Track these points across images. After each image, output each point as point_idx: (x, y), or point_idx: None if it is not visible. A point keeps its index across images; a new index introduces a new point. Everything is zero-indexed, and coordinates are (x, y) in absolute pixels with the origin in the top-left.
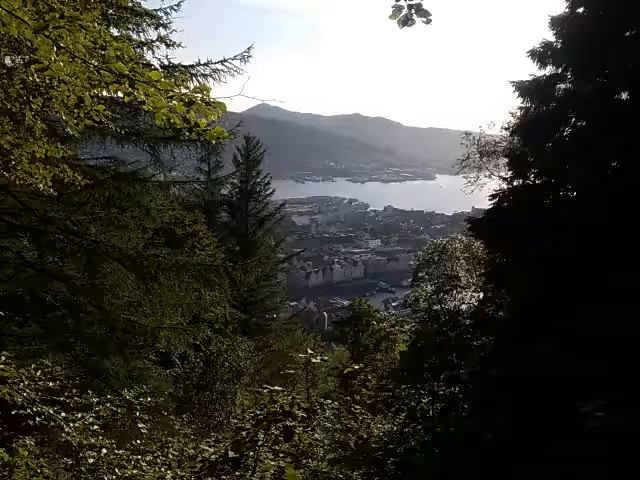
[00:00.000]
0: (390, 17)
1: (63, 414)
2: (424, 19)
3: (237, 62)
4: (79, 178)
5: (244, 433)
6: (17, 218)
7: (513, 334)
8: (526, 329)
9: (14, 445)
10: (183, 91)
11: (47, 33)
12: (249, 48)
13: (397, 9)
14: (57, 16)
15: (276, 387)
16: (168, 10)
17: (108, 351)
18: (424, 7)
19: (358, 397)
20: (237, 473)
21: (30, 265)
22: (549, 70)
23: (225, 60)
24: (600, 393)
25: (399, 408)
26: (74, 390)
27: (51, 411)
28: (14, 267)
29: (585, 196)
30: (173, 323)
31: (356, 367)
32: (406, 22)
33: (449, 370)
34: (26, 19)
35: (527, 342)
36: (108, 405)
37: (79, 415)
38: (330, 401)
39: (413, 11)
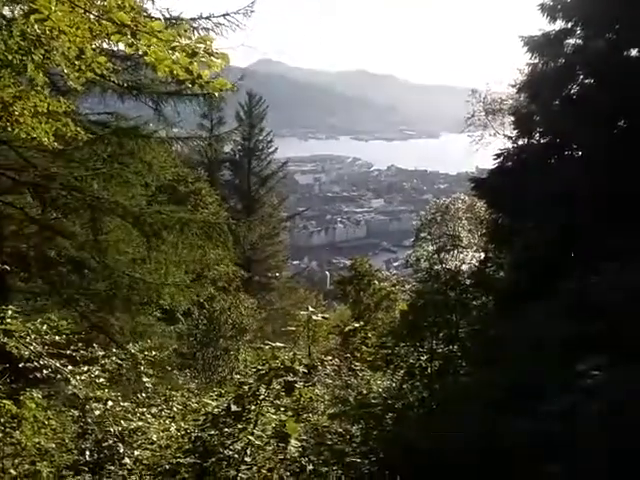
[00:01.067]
0: None
1: (69, 367)
2: None
3: (240, 16)
4: (82, 132)
5: (246, 387)
6: (20, 174)
7: (513, 294)
8: (526, 290)
9: (21, 397)
10: (186, 42)
11: None
12: (252, 2)
13: None
14: None
15: (278, 344)
16: None
17: (113, 307)
18: None
19: (358, 354)
20: (239, 426)
21: (34, 221)
22: (559, 25)
23: (227, 14)
24: (598, 353)
25: (398, 365)
26: (80, 344)
27: (57, 364)
28: (18, 223)
29: (590, 157)
30: (177, 280)
31: (356, 325)
32: None
33: (448, 329)
34: None
35: (526, 303)
36: (114, 359)
37: (85, 368)
38: (331, 358)
39: None
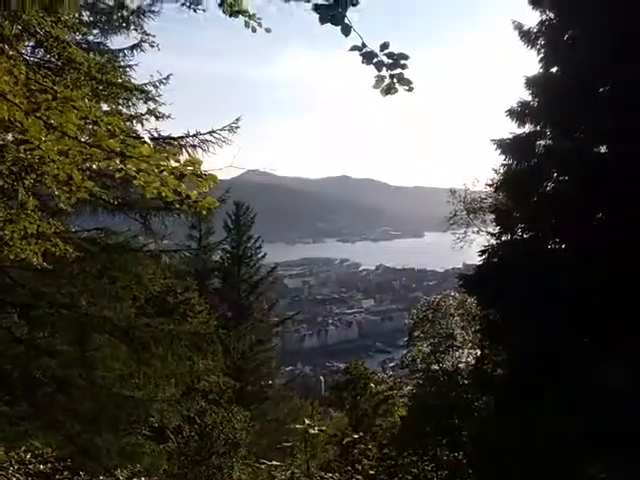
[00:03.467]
0: (373, 86)
1: None
2: (406, 87)
3: (225, 133)
4: (70, 251)
5: None
6: (7, 293)
7: (513, 392)
8: (523, 387)
9: None
10: (174, 164)
11: (38, 114)
12: (237, 119)
13: (380, 79)
14: (50, 97)
15: (274, 462)
16: (157, 84)
17: (100, 428)
18: (406, 76)
19: (359, 467)
20: None
21: (20, 341)
22: (528, 128)
23: (214, 131)
24: (603, 453)
25: (402, 478)
26: (65, 472)
27: None
28: (4, 344)
29: (572, 250)
30: (167, 395)
31: (355, 436)
32: (389, 91)
33: (450, 434)
34: (17, 101)
35: (528, 399)
36: None
37: None
38: (331, 474)
39: (395, 80)
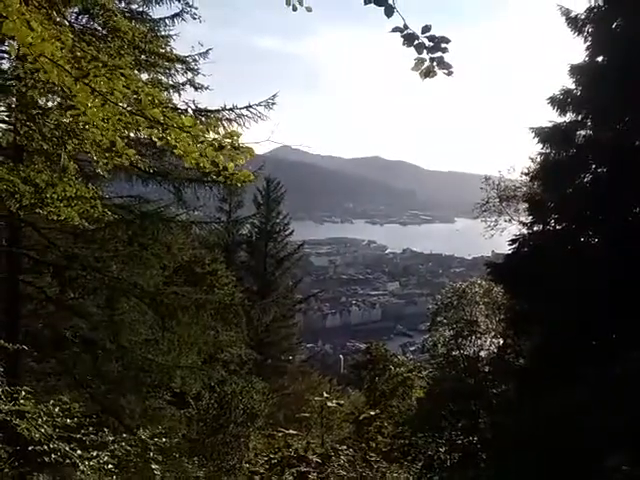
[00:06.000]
0: (412, 69)
1: (79, 452)
2: (445, 71)
3: (261, 108)
4: (109, 214)
5: (257, 478)
6: (42, 254)
7: (534, 382)
8: (547, 377)
9: None
10: (213, 136)
11: (87, 81)
12: (274, 95)
13: (419, 61)
14: (100, 65)
15: (291, 431)
16: (197, 57)
17: (124, 389)
18: (446, 60)
19: (374, 444)
20: None
21: (52, 301)
22: (569, 117)
23: (250, 106)
24: (624, 445)
25: (415, 457)
26: (90, 428)
27: (67, 448)
28: (36, 302)
29: (605, 244)
30: (189, 362)
31: (372, 413)
32: (428, 74)
33: (467, 419)
34: (67, 67)
35: (549, 391)
36: (123, 444)
37: (94, 453)
38: (345, 447)
39: (435, 64)
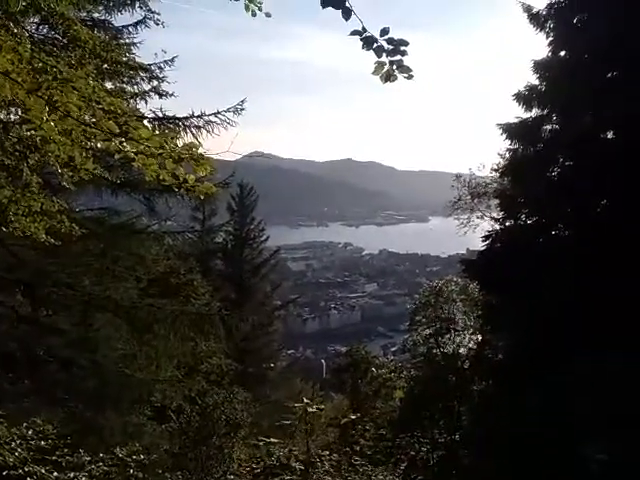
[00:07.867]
0: (373, 73)
1: (55, 474)
2: (405, 75)
3: (230, 114)
4: (77, 228)
5: None
6: (11, 272)
7: (511, 378)
8: (523, 372)
9: None
10: (172, 147)
11: (40, 94)
12: (242, 101)
13: (379, 65)
14: (50, 78)
15: (272, 439)
16: (162, 65)
17: (103, 406)
18: (405, 64)
19: (358, 448)
20: None
21: (24, 320)
22: (535, 112)
23: (218, 112)
24: (599, 437)
25: (399, 459)
26: (66, 449)
27: (43, 471)
28: (8, 322)
29: (575, 237)
30: (168, 375)
31: (353, 417)
32: (388, 78)
33: (448, 417)
34: (19, 79)
35: (524, 387)
36: (100, 465)
37: (71, 475)
38: (329, 452)
39: (395, 67)
